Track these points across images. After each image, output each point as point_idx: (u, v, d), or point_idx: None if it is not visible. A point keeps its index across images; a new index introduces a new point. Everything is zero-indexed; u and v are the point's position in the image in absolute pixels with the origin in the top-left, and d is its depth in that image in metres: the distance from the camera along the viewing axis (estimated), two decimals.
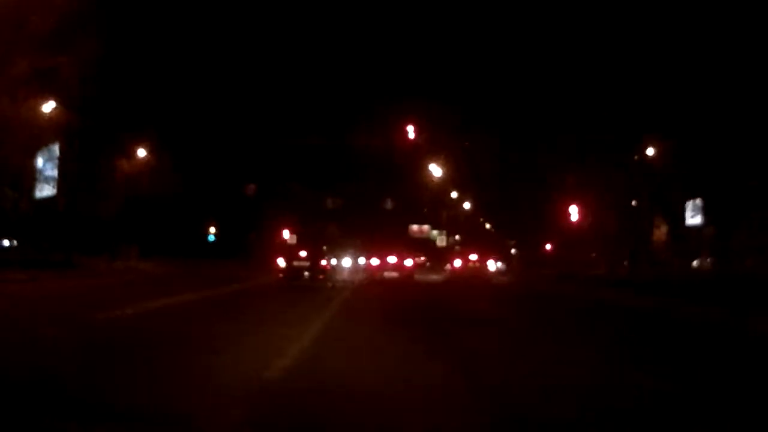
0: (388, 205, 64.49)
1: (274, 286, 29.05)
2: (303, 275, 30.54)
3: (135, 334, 12.20)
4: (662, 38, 37.03)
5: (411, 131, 44.29)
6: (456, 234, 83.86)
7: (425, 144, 50.16)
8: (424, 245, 72.68)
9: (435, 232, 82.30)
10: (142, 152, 52.37)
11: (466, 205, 79.34)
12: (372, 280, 35.47)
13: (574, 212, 44.15)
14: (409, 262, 37.37)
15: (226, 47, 54.93)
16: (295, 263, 30.85)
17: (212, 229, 67.77)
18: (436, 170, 62.86)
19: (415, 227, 78.49)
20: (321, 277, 30.99)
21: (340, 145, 56.20)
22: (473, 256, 40.61)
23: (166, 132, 52.39)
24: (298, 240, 53.17)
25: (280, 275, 30.78)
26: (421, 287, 32.50)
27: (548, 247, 67.28)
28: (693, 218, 45.47)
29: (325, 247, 33.52)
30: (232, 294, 24.79)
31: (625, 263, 40.86)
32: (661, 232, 47.51)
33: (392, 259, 37.40)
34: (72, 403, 6.39)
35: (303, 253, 31.37)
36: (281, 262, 31.11)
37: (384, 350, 11.11)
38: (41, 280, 27.15)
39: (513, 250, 69.86)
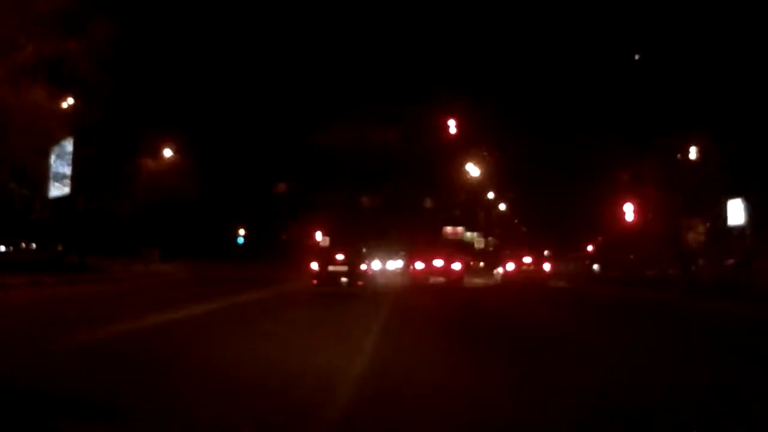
0: (428, 204, 60.12)
1: (308, 294, 25.18)
2: (340, 281, 26.28)
3: (108, 368, 8.58)
4: (709, 34, 35.96)
5: (452, 126, 40.88)
6: (489, 236, 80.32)
7: (464, 140, 46.63)
8: (462, 248, 68.95)
9: (469, 234, 78.82)
10: (168, 152, 49.41)
11: (502, 207, 75.93)
12: (416, 286, 31.37)
13: (629, 211, 40.37)
14: (457, 266, 33.03)
15: (257, 43, 52.09)
16: (331, 268, 26.56)
17: (241, 231, 63.84)
18: (473, 169, 59.62)
19: (449, 229, 75.44)
20: (360, 283, 26.68)
21: (373, 140, 52.61)
22: (527, 259, 36.20)
23: (193, 130, 49.51)
24: (332, 242, 49.61)
25: (314, 281, 26.60)
26: (475, 294, 28.37)
27: (590, 248, 63.18)
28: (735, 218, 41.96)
29: (364, 250, 29.15)
30: (260, 303, 21.17)
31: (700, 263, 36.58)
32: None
33: (438, 263, 33.11)
34: None
35: (340, 257, 27.04)
36: (315, 266, 26.88)
37: (452, 375, 8.46)
38: (43, 285, 23.89)
39: (546, 252, 65.54)
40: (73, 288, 24.39)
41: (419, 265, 33.47)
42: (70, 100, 32.43)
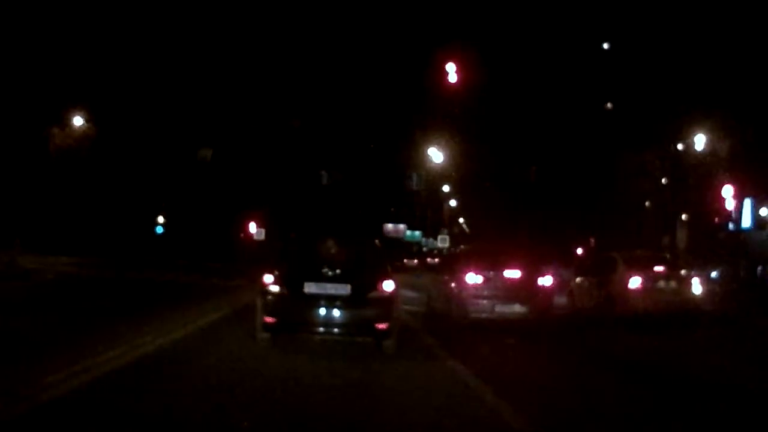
0: (414, 182, 43.13)
1: (257, 349, 9.79)
2: (322, 318, 10.62)
3: None
4: None
5: (453, 72, 26.90)
6: (432, 236, 67.48)
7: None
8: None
9: (409, 233, 65.79)
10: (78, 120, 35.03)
11: (453, 203, 63.03)
12: (478, 326, 14.25)
13: (728, 196, 29.56)
14: (547, 281, 15.13)
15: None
16: (310, 288, 10.26)
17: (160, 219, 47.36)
18: (436, 155, 45.26)
19: (390, 226, 62.56)
20: (382, 326, 9.61)
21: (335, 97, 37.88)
22: (659, 268, 18.31)
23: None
24: (270, 234, 34.68)
25: (268, 319, 10.30)
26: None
27: (579, 251, 49.29)
28: None
29: (377, 242, 11.85)
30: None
31: None
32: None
33: (513, 274, 14.75)
34: None
35: (329, 269, 10.38)
36: (272, 284, 10.38)
37: None
38: None
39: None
40: None
41: (473, 279, 14.49)
42: None
